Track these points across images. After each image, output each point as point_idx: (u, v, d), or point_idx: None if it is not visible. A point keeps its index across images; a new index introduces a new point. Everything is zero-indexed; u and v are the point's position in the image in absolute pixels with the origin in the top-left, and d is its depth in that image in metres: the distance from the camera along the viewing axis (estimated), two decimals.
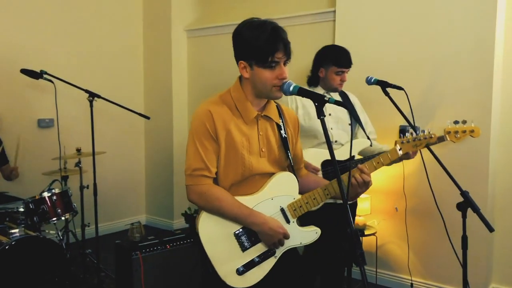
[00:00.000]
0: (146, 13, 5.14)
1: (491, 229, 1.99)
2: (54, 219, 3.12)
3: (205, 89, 4.95)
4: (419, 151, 2.27)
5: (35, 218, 3.00)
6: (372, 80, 2.47)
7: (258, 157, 1.76)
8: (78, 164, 3.65)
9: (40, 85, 3.97)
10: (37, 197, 3.06)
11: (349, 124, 2.74)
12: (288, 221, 1.79)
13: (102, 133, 4.49)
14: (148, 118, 3.68)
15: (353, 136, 2.81)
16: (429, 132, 2.05)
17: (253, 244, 1.74)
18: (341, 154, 2.64)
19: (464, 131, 2.04)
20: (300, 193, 1.82)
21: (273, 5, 4.36)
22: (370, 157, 2.56)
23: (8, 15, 4.11)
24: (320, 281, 2.91)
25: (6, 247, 2.66)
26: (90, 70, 4.65)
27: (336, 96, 2.76)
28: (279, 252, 1.77)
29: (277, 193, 1.78)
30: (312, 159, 2.58)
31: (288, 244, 1.77)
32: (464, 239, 2.08)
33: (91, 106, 3.35)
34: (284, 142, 1.83)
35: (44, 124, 4.36)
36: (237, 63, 1.74)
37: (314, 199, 1.80)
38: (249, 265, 1.73)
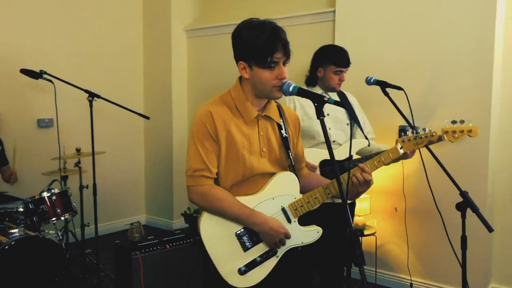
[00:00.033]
0: (146, 13, 5.14)
1: (490, 229, 2.00)
2: (54, 219, 3.11)
3: (204, 89, 4.95)
4: (416, 151, 2.27)
5: (34, 218, 2.99)
6: (372, 81, 2.47)
7: (258, 157, 1.76)
8: (77, 164, 3.65)
9: (40, 85, 3.97)
10: (36, 197, 3.06)
11: (347, 124, 2.74)
12: (289, 221, 1.79)
13: (102, 133, 4.49)
14: (147, 118, 3.68)
15: (351, 135, 2.81)
16: (430, 130, 2.04)
17: (254, 244, 1.75)
18: (339, 154, 2.65)
19: (462, 131, 2.04)
20: (301, 192, 1.82)
21: (272, 5, 4.36)
22: (368, 157, 2.57)
23: (8, 15, 4.10)
24: (320, 281, 2.91)
25: (6, 247, 2.66)
26: (90, 70, 4.65)
27: (334, 96, 2.77)
28: (281, 251, 1.77)
29: (278, 192, 1.79)
30: (310, 159, 2.58)
31: (290, 243, 1.78)
32: (464, 239, 2.08)
33: (91, 106, 3.35)
34: (285, 142, 1.83)
35: (43, 124, 4.36)
36: (237, 64, 1.74)
37: (315, 198, 1.80)
38: (251, 265, 1.74)
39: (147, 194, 5.35)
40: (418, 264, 3.47)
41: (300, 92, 1.61)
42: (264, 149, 1.78)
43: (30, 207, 3.00)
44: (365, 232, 3.36)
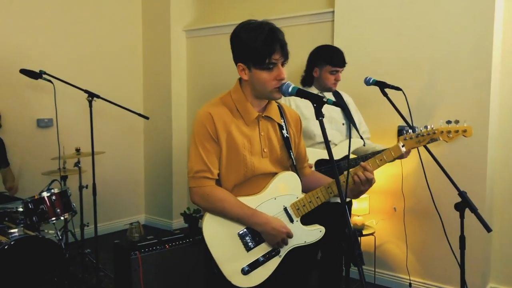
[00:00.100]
0: (145, 13, 5.14)
1: (488, 229, 2.00)
2: (53, 219, 3.11)
3: (204, 89, 4.96)
4: (415, 151, 2.27)
5: (34, 218, 2.99)
6: (371, 81, 2.48)
7: (260, 158, 1.77)
8: (77, 164, 3.66)
9: (40, 85, 3.97)
10: (36, 197, 3.06)
11: (343, 124, 2.76)
12: (291, 220, 1.80)
13: (101, 133, 4.48)
14: (147, 118, 3.68)
15: (350, 135, 2.83)
16: (432, 128, 2.05)
17: (257, 244, 1.75)
18: (335, 154, 2.66)
19: (457, 131, 2.04)
20: (304, 192, 1.83)
21: (272, 5, 4.37)
22: (363, 157, 2.58)
23: (8, 15, 4.10)
24: (318, 280, 2.92)
25: (5, 247, 2.66)
26: (90, 70, 4.65)
27: (329, 96, 2.78)
28: (284, 251, 1.78)
29: (280, 192, 1.79)
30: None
31: (293, 243, 1.78)
32: (462, 239, 2.09)
33: (90, 106, 3.35)
34: (286, 142, 1.84)
35: (43, 124, 4.36)
36: (236, 66, 1.75)
37: (317, 197, 1.81)
38: (254, 265, 1.74)
39: (146, 194, 5.35)
40: (417, 264, 3.48)
41: (299, 93, 1.62)
42: (265, 150, 1.79)
43: (30, 207, 3.00)
44: (364, 232, 3.36)
